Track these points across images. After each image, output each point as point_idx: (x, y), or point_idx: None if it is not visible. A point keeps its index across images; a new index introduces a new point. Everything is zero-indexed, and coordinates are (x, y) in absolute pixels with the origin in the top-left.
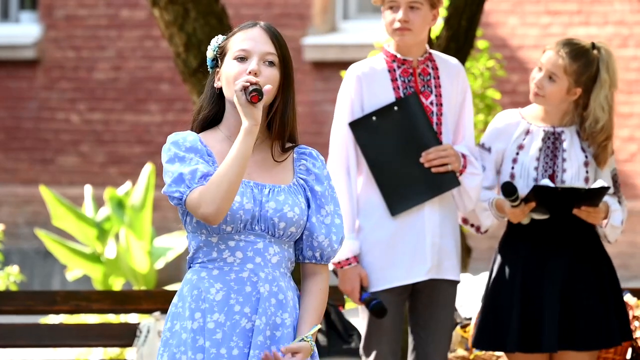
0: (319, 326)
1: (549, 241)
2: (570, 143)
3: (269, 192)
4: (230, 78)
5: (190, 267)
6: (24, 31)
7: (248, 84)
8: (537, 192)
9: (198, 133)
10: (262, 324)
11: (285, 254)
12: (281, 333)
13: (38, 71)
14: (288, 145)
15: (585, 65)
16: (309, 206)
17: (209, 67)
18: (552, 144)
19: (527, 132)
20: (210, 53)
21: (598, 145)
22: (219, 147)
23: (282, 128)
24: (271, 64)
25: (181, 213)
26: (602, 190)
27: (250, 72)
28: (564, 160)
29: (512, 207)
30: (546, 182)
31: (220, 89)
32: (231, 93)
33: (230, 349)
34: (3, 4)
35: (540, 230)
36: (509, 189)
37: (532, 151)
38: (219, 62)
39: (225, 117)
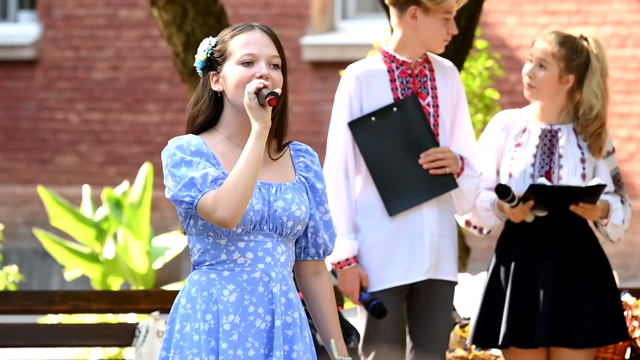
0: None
1: (544, 238)
2: (567, 140)
3: (276, 190)
4: (238, 82)
5: (195, 269)
6: (22, 31)
7: (262, 85)
8: (533, 191)
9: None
10: (280, 324)
11: (290, 253)
12: (293, 332)
13: (36, 71)
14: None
15: (573, 50)
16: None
17: (198, 69)
18: (549, 142)
19: (524, 130)
20: (202, 55)
21: (591, 134)
22: (220, 148)
23: (280, 128)
24: (276, 66)
25: (184, 216)
26: (599, 188)
27: (261, 77)
28: (560, 156)
29: (510, 207)
30: (542, 180)
31: (220, 92)
32: (238, 97)
33: (246, 349)
34: (2, 4)
35: (536, 227)
36: (502, 191)
37: (529, 148)
38: (215, 65)
39: (224, 119)
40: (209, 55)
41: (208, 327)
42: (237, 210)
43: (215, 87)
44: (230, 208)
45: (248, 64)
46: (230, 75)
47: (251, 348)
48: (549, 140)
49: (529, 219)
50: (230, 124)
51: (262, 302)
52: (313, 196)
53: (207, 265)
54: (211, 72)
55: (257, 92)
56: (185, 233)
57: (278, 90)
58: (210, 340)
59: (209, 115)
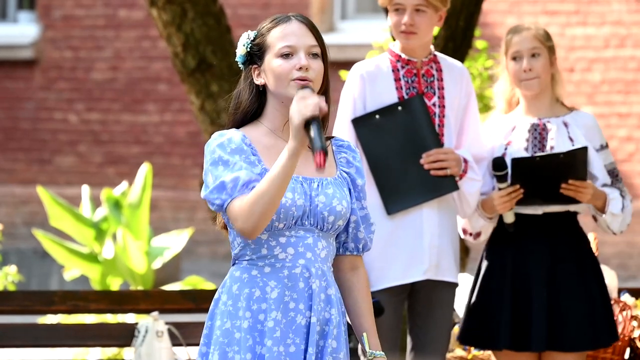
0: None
1: (534, 241)
2: (558, 132)
3: (318, 185)
4: (279, 75)
5: (235, 263)
6: (21, 31)
7: (317, 113)
8: (517, 165)
9: (238, 128)
10: (316, 321)
11: (331, 248)
12: (329, 329)
13: (36, 71)
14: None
15: (545, 32)
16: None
17: (239, 63)
18: (539, 135)
19: (513, 129)
20: (242, 50)
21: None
22: (264, 141)
23: (323, 120)
24: (315, 55)
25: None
26: (581, 151)
27: (301, 68)
28: (552, 148)
29: (499, 189)
30: (521, 154)
31: (262, 86)
32: (281, 89)
33: (287, 346)
34: (1, 4)
35: (525, 229)
36: (499, 163)
37: (519, 143)
38: (256, 59)
39: (268, 111)
40: (248, 50)
41: (247, 325)
42: (257, 225)
43: (258, 81)
44: (251, 222)
45: (287, 55)
46: (271, 69)
47: (292, 344)
48: (538, 133)
49: (509, 219)
50: (274, 117)
51: (303, 298)
52: (355, 192)
53: (248, 260)
54: (253, 66)
55: (312, 118)
56: (224, 227)
57: (324, 105)
58: (249, 338)
59: (252, 107)
